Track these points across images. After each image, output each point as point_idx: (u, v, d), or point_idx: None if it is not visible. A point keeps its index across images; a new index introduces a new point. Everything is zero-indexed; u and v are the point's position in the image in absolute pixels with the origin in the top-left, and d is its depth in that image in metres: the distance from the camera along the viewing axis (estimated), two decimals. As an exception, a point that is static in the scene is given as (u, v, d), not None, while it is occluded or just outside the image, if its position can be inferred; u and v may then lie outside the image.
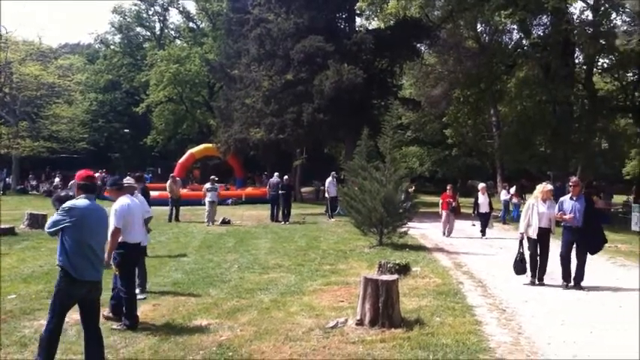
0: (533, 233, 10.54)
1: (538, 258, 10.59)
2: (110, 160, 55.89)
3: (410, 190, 24.45)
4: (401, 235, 15.73)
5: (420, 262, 12.86)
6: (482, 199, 18.80)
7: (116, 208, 7.81)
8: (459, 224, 19.87)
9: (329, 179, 24.40)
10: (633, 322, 7.98)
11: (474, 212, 19.38)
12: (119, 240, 7.67)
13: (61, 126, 45.19)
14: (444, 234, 18.66)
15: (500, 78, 33.93)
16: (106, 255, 7.37)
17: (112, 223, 7.60)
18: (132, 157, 56.94)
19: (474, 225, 20.02)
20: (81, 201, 5.89)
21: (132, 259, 7.93)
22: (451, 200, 18.78)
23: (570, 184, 10.69)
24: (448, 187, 19.70)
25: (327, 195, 24.61)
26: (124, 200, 7.98)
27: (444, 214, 18.78)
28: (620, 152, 39.95)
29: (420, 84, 38.99)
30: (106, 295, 8.03)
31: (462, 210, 20.74)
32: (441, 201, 19.20)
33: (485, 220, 18.77)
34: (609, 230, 20.03)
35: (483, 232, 18.66)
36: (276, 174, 23.90)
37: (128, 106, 57.22)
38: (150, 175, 48.48)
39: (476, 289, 10.25)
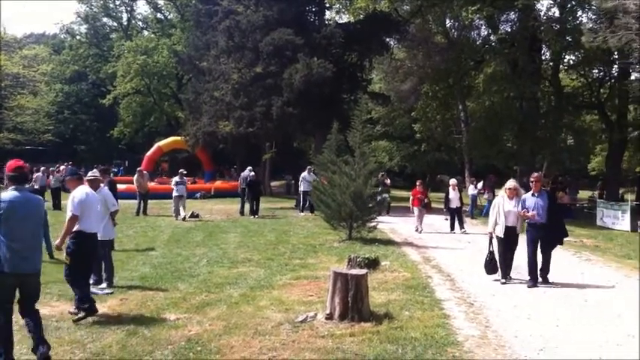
0: (500, 232, 10.32)
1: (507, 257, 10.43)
2: (76, 152, 55.12)
3: (387, 182, 24.43)
4: (370, 230, 15.79)
5: (389, 256, 12.92)
6: (453, 194, 18.78)
7: (74, 195, 7.79)
8: (428, 219, 19.94)
9: (304, 173, 23.86)
10: (598, 316, 8.14)
11: (445, 207, 19.44)
12: (75, 229, 7.62)
13: (26, 117, 44.49)
14: (420, 232, 18.26)
15: (468, 73, 34.19)
16: (58, 240, 7.41)
17: (69, 211, 7.67)
18: (98, 149, 56.19)
19: (446, 219, 20.03)
20: (8, 193, 5.79)
21: (85, 249, 7.79)
22: (422, 196, 18.55)
23: (531, 179, 10.48)
24: (418, 183, 19.45)
25: (301, 188, 23.98)
26: (82, 189, 7.96)
27: (417, 210, 18.54)
28: (586, 148, 40.55)
29: (389, 78, 39.11)
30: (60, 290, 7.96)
31: (433, 205, 20.74)
32: (411, 197, 19.08)
33: (453, 215, 18.81)
34: (575, 225, 20.44)
35: (452, 226, 18.74)
36: (248, 168, 23.64)
37: (94, 97, 56.48)
38: (121, 167, 47.94)
39: (444, 283, 10.34)
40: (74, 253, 7.61)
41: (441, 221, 20.53)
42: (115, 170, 44.70)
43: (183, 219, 20.36)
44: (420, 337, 6.86)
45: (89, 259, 7.99)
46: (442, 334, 7.01)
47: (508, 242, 10.35)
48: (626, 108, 30.07)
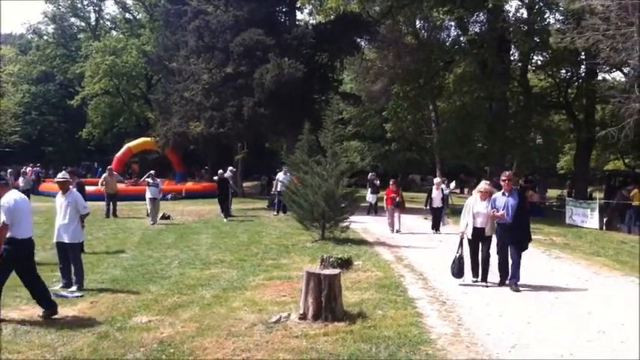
0: (469, 233, 10.23)
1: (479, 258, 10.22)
2: (44, 153, 54.25)
3: (376, 182, 24.40)
4: (343, 230, 15.79)
5: (362, 255, 12.94)
6: (436, 194, 18.64)
7: (2, 203, 7.62)
8: (401, 218, 19.86)
9: (280, 174, 23.21)
10: (569, 314, 8.26)
11: (425, 206, 19.43)
12: (7, 235, 7.54)
13: (-8, 119, 43.69)
14: (392, 231, 18.23)
15: (438, 74, 34.36)
16: None
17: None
18: (67, 150, 55.35)
19: (426, 218, 20.01)
20: None
21: (18, 255, 7.66)
22: (395, 195, 18.57)
23: (502, 178, 10.23)
24: (391, 182, 19.38)
25: (278, 189, 22.76)
26: (10, 195, 7.78)
27: (389, 209, 18.55)
28: (554, 147, 41.17)
29: (360, 79, 39.22)
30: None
31: (407, 205, 20.70)
32: (385, 196, 19.10)
33: (435, 214, 18.68)
34: (544, 223, 20.71)
35: (435, 226, 18.58)
36: (229, 168, 23.28)
37: (62, 98, 55.52)
38: (99, 169, 47.16)
39: (417, 281, 10.38)
40: (5, 259, 7.50)
41: (413, 220, 20.59)
42: (84, 172, 44.01)
43: (154, 223, 19.66)
44: (393, 335, 6.89)
45: (26, 264, 7.82)
46: (415, 333, 7.05)
47: (476, 243, 10.24)
48: (593, 107, 30.55)
